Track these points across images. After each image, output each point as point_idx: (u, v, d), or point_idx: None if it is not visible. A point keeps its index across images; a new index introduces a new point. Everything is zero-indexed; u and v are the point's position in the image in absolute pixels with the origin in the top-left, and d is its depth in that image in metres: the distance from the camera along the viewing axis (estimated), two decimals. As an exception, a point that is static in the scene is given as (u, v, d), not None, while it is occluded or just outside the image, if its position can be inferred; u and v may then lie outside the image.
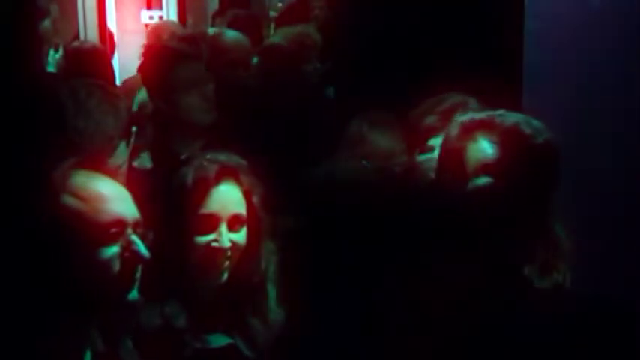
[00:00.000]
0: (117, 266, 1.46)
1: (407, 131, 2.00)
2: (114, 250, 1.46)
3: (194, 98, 2.48)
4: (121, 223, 1.48)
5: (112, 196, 1.51)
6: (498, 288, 1.56)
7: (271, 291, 1.78)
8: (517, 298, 1.55)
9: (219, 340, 1.73)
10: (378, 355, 1.49)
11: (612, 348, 1.59)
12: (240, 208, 1.73)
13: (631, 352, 1.61)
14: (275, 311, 1.77)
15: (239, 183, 1.75)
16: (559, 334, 1.54)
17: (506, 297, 1.55)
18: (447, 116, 1.92)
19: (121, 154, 2.00)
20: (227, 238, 1.70)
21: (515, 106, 1.76)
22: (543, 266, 1.60)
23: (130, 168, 2.14)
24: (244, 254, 1.74)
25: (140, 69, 2.75)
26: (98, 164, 1.63)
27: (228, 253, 1.71)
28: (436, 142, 1.89)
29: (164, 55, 2.57)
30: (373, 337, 1.50)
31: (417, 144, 1.89)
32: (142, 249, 1.47)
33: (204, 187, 1.70)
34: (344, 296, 1.52)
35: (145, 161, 2.45)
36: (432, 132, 1.91)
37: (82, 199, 1.49)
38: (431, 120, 1.93)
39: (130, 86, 3.60)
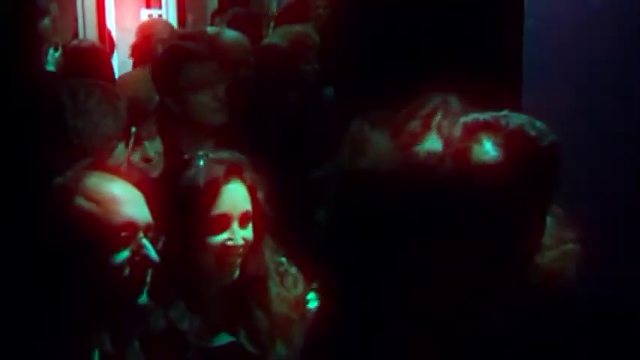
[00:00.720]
0: (127, 270, 1.46)
1: (392, 135, 2.00)
2: (125, 254, 1.45)
3: (204, 97, 2.48)
4: (132, 227, 1.47)
5: (125, 199, 1.50)
6: (498, 288, 1.56)
7: (272, 284, 1.80)
8: (515, 297, 1.55)
9: (222, 339, 1.74)
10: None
11: (611, 349, 1.60)
12: (247, 205, 1.75)
13: (630, 353, 1.61)
14: (277, 303, 1.78)
15: (243, 179, 1.77)
16: (555, 334, 1.54)
17: (505, 297, 1.55)
18: (428, 121, 1.93)
19: (119, 155, 2.00)
20: (240, 235, 1.72)
21: (514, 106, 1.76)
22: (539, 265, 1.60)
23: (130, 169, 2.13)
24: (251, 250, 1.75)
25: (151, 67, 2.77)
26: (111, 166, 1.62)
27: (241, 250, 1.72)
28: (419, 148, 1.89)
29: (176, 53, 2.58)
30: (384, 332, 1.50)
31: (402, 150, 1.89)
32: (152, 253, 1.46)
33: (215, 188, 1.71)
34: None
35: (148, 151, 2.45)
36: (415, 138, 1.91)
37: (94, 201, 1.48)
38: (413, 125, 1.93)
39: (126, 82, 3.61)
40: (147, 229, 1.48)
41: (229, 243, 1.72)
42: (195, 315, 1.73)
